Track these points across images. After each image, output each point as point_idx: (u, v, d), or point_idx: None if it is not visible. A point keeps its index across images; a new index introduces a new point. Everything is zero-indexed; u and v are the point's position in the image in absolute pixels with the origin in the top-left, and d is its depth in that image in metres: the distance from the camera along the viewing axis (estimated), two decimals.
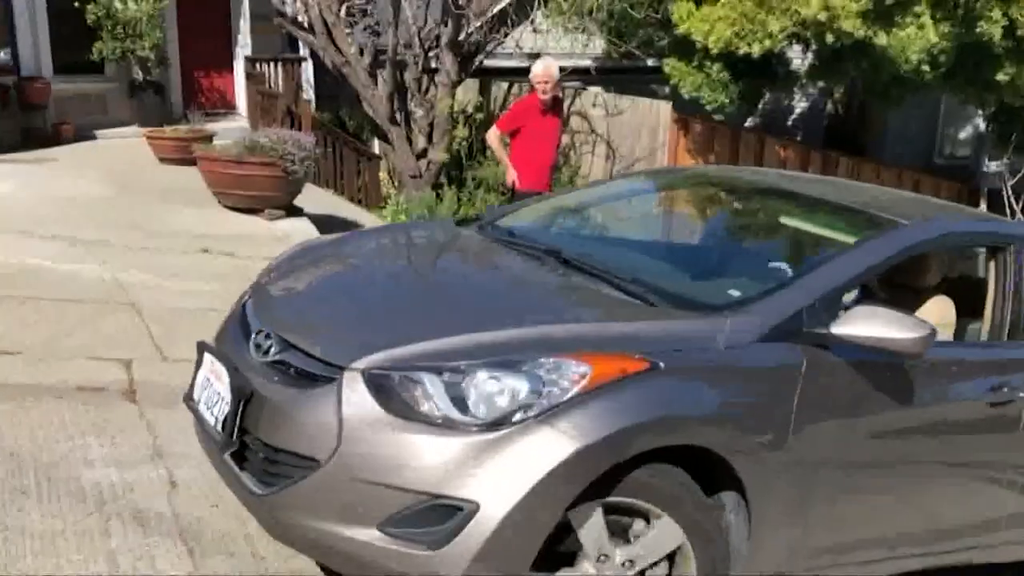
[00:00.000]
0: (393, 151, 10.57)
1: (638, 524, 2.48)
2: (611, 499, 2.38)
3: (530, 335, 2.49)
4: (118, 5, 11.85)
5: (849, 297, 3.17)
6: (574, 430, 2.26)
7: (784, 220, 3.83)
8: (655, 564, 2.50)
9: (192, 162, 8.32)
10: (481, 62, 11.14)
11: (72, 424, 3.56)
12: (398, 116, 10.42)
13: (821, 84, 12.82)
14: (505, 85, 12.49)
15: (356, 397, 2.33)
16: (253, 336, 2.73)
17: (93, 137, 11.35)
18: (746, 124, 13.91)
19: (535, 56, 8.70)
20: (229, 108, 14.02)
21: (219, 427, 2.59)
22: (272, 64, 13.63)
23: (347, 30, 10.61)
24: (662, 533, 2.47)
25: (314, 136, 8.66)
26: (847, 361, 2.71)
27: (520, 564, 2.28)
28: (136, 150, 9.94)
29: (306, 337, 2.60)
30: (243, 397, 2.53)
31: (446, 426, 2.27)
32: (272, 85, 13.43)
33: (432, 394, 2.29)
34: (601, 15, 10.87)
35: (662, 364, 2.43)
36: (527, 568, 2.30)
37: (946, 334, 3.27)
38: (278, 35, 13.98)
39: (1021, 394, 3.12)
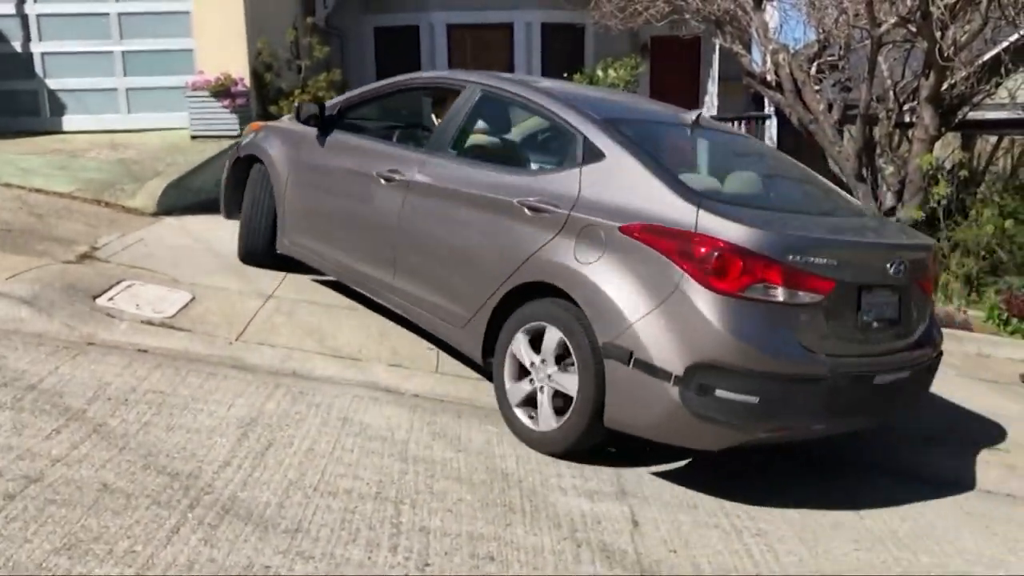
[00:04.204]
0: None
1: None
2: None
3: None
4: (599, 73, 13.05)
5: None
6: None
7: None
8: None
9: None
10: (965, 115, 10.24)
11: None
12: (865, 173, 9.97)
13: None
14: (993, 139, 11.32)
15: None
16: None
17: None
18: None
19: None
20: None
21: None
22: (736, 123, 13.91)
23: (815, 87, 10.45)
24: None
25: None
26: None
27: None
28: None
29: None
30: None
31: None
32: None
33: None
34: None
35: (271, 126, 6.09)
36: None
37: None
38: (744, 95, 14.27)
39: (400, 177, 4.79)
